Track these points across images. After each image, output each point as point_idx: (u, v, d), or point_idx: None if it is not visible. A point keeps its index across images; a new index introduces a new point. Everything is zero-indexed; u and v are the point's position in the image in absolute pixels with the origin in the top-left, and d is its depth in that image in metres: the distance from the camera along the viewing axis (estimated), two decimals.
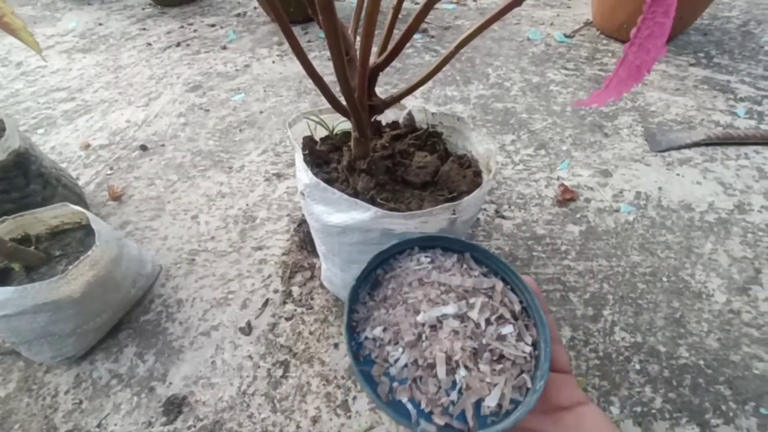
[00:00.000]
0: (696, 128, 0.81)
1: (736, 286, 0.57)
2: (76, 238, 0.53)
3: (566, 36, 1.13)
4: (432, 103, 0.92)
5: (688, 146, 0.77)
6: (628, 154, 0.77)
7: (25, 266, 0.49)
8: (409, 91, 0.40)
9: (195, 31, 1.28)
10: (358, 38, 0.37)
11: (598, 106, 0.84)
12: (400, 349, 0.25)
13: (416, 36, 1.17)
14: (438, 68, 0.37)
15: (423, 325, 0.25)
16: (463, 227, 0.43)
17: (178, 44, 1.21)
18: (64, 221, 0.54)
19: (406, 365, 0.24)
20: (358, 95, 0.35)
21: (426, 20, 1.23)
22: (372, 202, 0.40)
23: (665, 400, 0.47)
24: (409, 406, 0.23)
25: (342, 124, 0.51)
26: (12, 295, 0.42)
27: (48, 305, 0.44)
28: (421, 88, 0.96)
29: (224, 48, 1.18)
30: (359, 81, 0.35)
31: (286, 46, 1.17)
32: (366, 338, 0.26)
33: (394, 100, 0.41)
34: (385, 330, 0.26)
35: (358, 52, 0.36)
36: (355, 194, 0.42)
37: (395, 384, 0.24)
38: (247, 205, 0.72)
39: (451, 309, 0.26)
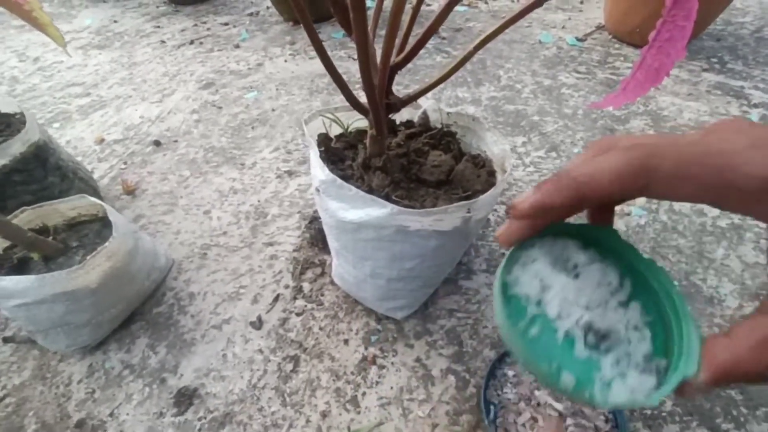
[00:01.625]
0: None
1: (749, 291, 0.56)
2: (93, 230, 0.54)
3: (578, 39, 1.12)
4: (443, 105, 0.92)
5: None
6: None
7: (44, 256, 0.50)
8: (427, 89, 0.41)
9: (208, 29, 1.30)
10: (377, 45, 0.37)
11: (613, 108, 0.83)
12: None
13: None
14: (457, 67, 0.37)
15: None
16: (476, 226, 0.43)
17: (192, 42, 1.23)
18: (81, 213, 0.55)
19: None
20: (378, 91, 0.35)
21: None
22: (387, 199, 0.41)
23: (675, 404, 0.46)
24: None
25: (356, 122, 0.51)
26: (32, 283, 0.43)
27: (66, 294, 0.45)
28: (432, 90, 0.96)
29: (237, 46, 1.19)
30: (380, 78, 0.35)
31: (299, 45, 1.18)
32: None
33: (412, 99, 0.41)
34: None
35: (377, 52, 0.36)
36: (370, 191, 0.42)
37: None
38: (258, 201, 0.72)
39: None
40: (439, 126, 0.51)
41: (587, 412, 0.41)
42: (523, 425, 0.41)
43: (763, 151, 0.16)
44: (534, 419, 0.40)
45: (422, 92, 0.40)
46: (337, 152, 0.48)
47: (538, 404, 0.41)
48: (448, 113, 0.50)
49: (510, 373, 0.45)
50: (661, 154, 0.17)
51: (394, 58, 0.38)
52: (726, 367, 0.17)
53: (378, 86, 0.35)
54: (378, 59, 0.36)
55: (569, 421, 0.40)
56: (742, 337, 0.17)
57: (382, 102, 0.37)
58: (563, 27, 1.20)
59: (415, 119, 0.52)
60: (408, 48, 0.39)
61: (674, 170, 0.17)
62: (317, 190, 0.44)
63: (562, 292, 0.23)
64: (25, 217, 0.51)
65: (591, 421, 0.41)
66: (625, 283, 0.24)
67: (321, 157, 0.44)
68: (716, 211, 0.67)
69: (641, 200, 0.69)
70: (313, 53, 1.13)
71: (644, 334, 0.22)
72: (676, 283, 0.25)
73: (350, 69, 1.04)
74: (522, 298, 0.23)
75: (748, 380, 0.17)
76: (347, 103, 0.44)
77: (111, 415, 0.49)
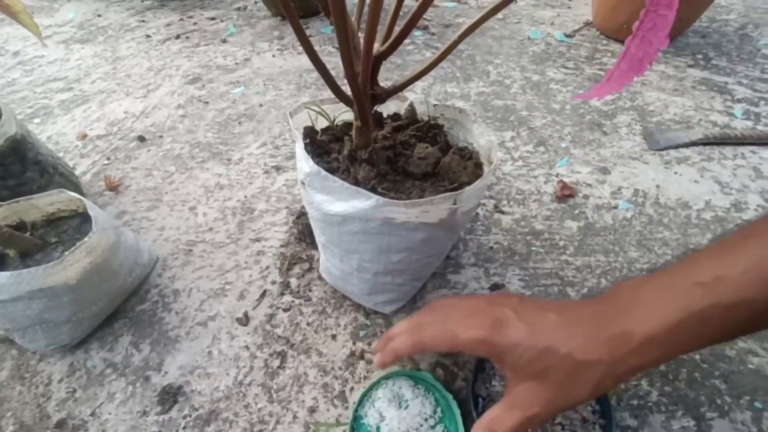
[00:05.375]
0: (694, 128, 0.81)
1: None
2: (72, 226, 0.53)
3: (566, 36, 1.13)
4: (432, 100, 0.92)
5: (686, 145, 0.77)
6: (626, 152, 0.77)
7: (21, 253, 0.49)
8: (413, 80, 0.40)
9: (195, 24, 1.28)
10: (360, 33, 0.37)
11: (599, 99, 0.84)
12: None
13: (417, 33, 1.17)
14: (443, 56, 0.37)
15: None
16: (463, 218, 0.43)
17: (178, 36, 1.21)
18: (60, 208, 0.53)
19: None
20: (362, 81, 0.35)
21: (427, 18, 1.23)
22: (373, 191, 0.40)
23: (661, 394, 0.47)
24: None
25: (342, 115, 0.51)
26: (7, 280, 0.42)
27: (44, 291, 0.43)
28: (421, 85, 0.96)
29: (224, 41, 1.18)
30: (363, 67, 0.35)
31: (287, 40, 1.17)
32: None
33: (397, 89, 0.41)
34: None
35: (361, 41, 0.36)
36: (356, 183, 0.41)
37: None
38: (245, 197, 0.71)
39: None
40: (426, 119, 0.51)
41: None
42: None
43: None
44: None
45: (408, 82, 0.40)
46: (322, 145, 0.47)
47: None
48: (434, 105, 0.50)
49: (498, 366, 0.44)
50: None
51: (378, 48, 0.38)
52: None
53: (361, 75, 0.34)
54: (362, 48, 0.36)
55: None
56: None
57: (366, 91, 0.37)
58: (552, 23, 1.20)
59: (402, 112, 0.52)
60: (393, 38, 0.38)
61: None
62: (302, 183, 0.43)
63: (391, 422, 0.41)
64: (1, 213, 0.50)
65: (578, 413, 0.41)
66: (437, 410, 0.43)
67: (306, 149, 0.43)
68: (701, 204, 0.67)
69: (628, 193, 0.69)
70: (302, 49, 1.12)
71: None
72: None
73: (338, 65, 1.03)
74: (368, 426, 0.42)
75: None
76: (333, 96, 0.44)
77: (92, 414, 0.47)
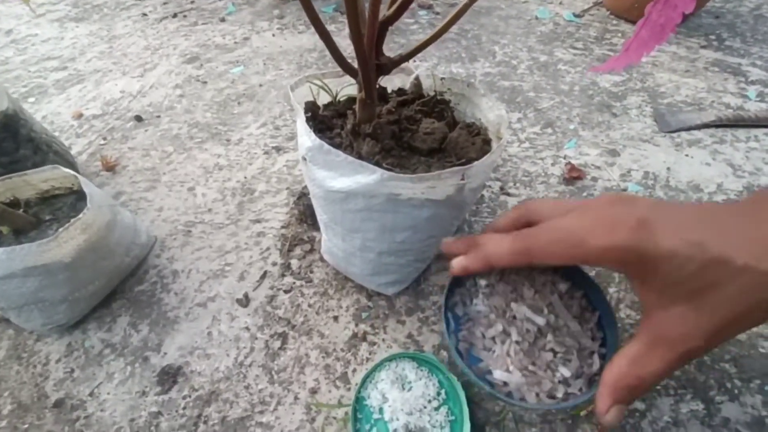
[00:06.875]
0: (706, 110, 0.79)
1: None
2: (67, 203, 0.51)
3: (575, 15, 1.10)
4: (439, 74, 0.90)
5: (698, 127, 0.75)
6: (636, 134, 0.75)
7: (14, 230, 0.48)
8: (419, 49, 0.38)
9: (192, 2, 1.24)
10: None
11: (617, 69, 0.81)
12: None
13: (421, 12, 1.14)
14: (452, 21, 0.35)
15: None
16: (470, 196, 0.41)
17: (175, 15, 1.17)
18: (54, 185, 0.52)
19: None
20: (367, 44, 0.33)
21: None
22: (377, 166, 0.39)
23: (670, 377, 0.46)
24: None
25: (345, 89, 0.49)
26: (0, 256, 0.40)
27: (38, 269, 0.42)
28: (425, 65, 0.93)
29: (223, 20, 1.14)
30: (368, 32, 0.33)
31: (287, 19, 1.13)
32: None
33: (403, 59, 0.39)
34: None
35: (366, 7, 0.34)
36: (360, 159, 0.40)
37: None
38: (245, 177, 0.70)
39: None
40: (432, 93, 0.49)
41: (572, 327, 0.35)
42: (493, 338, 0.34)
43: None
44: (506, 333, 0.34)
45: (414, 52, 0.38)
46: (324, 120, 0.45)
47: (514, 317, 0.34)
48: (441, 79, 0.48)
49: (482, 282, 0.37)
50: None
51: (384, 13, 0.36)
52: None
53: (367, 38, 0.32)
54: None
55: (549, 337, 0.33)
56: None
57: (371, 58, 0.35)
58: (560, 3, 1.16)
59: (407, 87, 0.50)
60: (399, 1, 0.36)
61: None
62: (304, 158, 0.42)
63: (394, 403, 0.39)
64: None
65: (576, 339, 0.34)
66: (441, 392, 0.41)
67: (307, 123, 0.42)
68: (713, 187, 0.66)
69: (638, 176, 0.67)
70: (302, 27, 1.09)
71: (444, 431, 0.38)
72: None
73: (340, 44, 1.00)
74: (371, 407, 0.40)
75: None
76: (336, 70, 0.42)
77: (91, 394, 0.47)
